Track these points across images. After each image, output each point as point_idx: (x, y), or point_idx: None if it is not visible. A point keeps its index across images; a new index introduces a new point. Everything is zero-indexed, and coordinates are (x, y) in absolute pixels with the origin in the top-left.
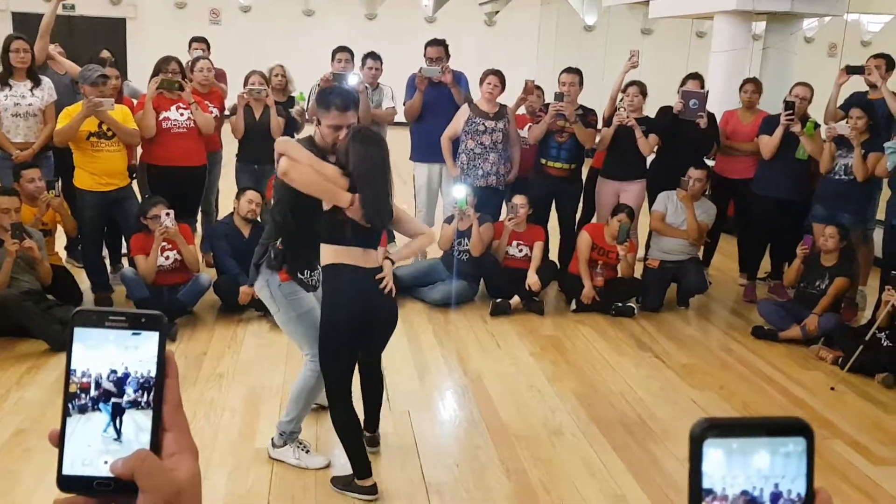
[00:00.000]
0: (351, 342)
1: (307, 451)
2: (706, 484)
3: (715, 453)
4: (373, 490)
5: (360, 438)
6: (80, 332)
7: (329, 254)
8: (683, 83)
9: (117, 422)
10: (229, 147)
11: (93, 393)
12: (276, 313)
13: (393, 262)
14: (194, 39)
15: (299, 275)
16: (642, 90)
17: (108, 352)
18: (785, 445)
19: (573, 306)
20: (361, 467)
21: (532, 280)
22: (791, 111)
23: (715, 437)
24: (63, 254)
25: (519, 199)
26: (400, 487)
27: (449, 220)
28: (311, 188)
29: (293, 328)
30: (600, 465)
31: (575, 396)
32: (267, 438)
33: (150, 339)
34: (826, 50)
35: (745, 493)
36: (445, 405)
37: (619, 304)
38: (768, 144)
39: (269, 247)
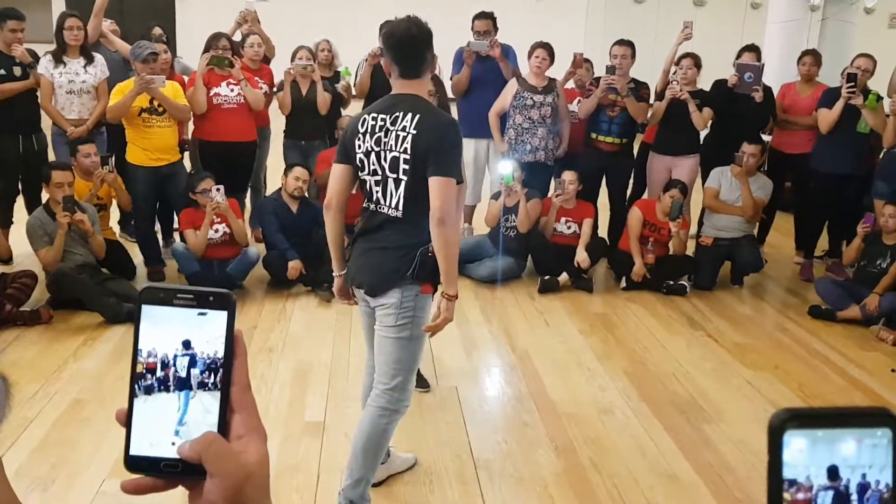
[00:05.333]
0: None
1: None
2: (789, 474)
3: (798, 442)
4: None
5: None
6: (147, 310)
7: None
8: (739, 55)
9: (185, 403)
10: (277, 123)
11: (159, 373)
12: (389, 326)
13: None
14: None
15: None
16: (696, 62)
17: (175, 331)
18: (871, 436)
19: (623, 284)
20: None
21: (581, 257)
22: (853, 84)
23: (795, 428)
24: (116, 228)
25: (568, 175)
26: (448, 463)
27: (496, 196)
28: None
29: (399, 350)
30: (651, 444)
31: (625, 375)
32: (316, 412)
33: (219, 318)
34: (887, 21)
35: (830, 482)
36: (493, 381)
37: (671, 282)
38: (827, 118)
39: (419, 252)
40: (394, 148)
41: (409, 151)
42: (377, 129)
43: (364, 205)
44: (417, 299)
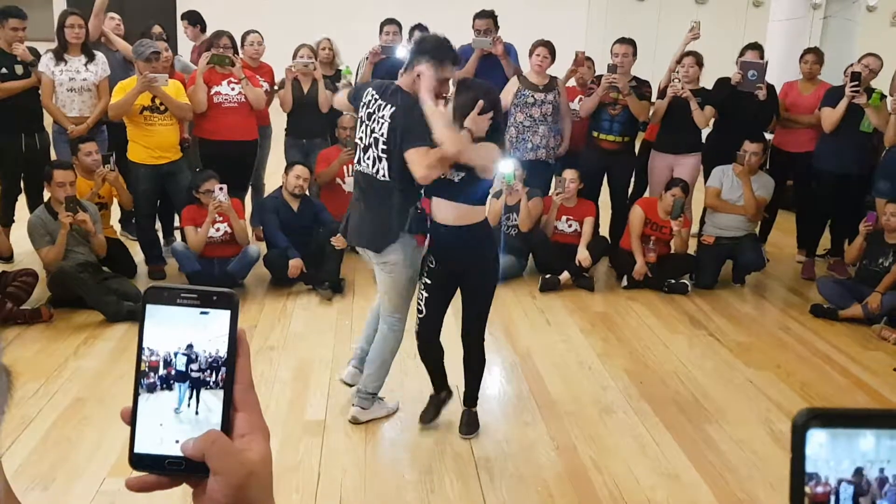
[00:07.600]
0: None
1: (383, 399)
2: (809, 468)
3: (819, 436)
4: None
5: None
6: (152, 310)
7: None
8: (742, 53)
9: (188, 401)
10: (278, 121)
11: (163, 372)
12: (396, 273)
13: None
14: (183, 16)
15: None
16: (698, 60)
17: (179, 330)
18: (892, 436)
19: (624, 283)
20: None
21: (582, 256)
22: (857, 82)
23: (818, 427)
24: (117, 227)
25: (569, 174)
26: (448, 463)
27: (497, 194)
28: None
29: (402, 288)
30: (653, 443)
31: (626, 374)
32: (317, 410)
33: (222, 317)
34: (889, 19)
35: (849, 477)
36: (494, 381)
37: (672, 281)
38: (830, 117)
39: (411, 211)
40: (376, 130)
41: (385, 135)
42: (371, 105)
43: (356, 165)
44: (416, 252)
